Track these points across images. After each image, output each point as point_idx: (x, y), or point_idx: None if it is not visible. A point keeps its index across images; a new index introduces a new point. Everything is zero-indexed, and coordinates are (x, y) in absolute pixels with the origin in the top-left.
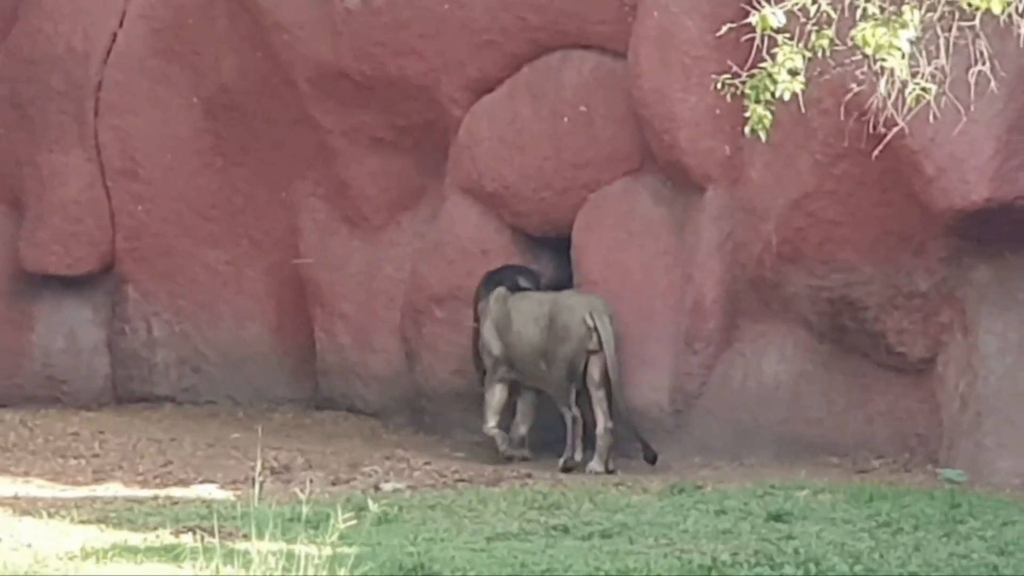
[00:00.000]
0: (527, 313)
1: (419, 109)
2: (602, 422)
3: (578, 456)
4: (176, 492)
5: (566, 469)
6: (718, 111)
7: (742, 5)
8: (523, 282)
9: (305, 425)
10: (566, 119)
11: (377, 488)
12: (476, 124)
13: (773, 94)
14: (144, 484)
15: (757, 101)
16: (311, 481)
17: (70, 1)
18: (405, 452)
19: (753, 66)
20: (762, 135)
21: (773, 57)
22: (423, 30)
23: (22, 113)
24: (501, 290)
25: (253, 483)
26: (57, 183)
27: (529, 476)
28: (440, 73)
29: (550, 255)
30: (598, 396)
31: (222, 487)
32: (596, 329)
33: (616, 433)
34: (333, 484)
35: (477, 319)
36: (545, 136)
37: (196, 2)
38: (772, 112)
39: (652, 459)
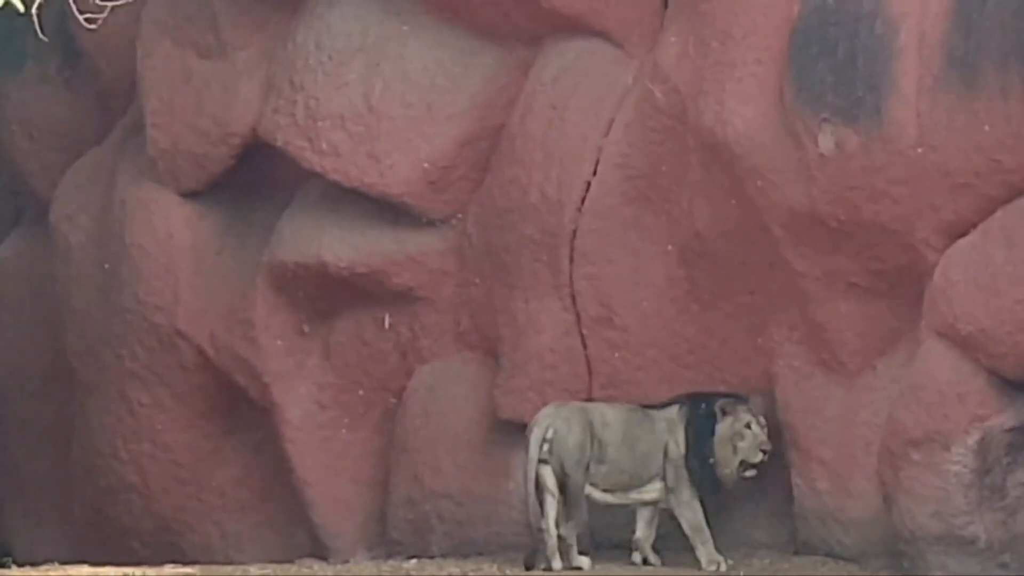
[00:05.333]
0: None
1: (893, 253)
2: None
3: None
4: None
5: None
6: None
7: None
8: None
9: (783, 570)
10: None
11: None
12: (951, 268)
13: None
14: None
15: None
16: None
17: (543, 149)
18: None
19: None
20: None
21: None
22: (897, 174)
23: (497, 262)
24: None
25: None
26: (532, 331)
27: None
28: (914, 217)
29: None
30: None
31: None
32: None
33: None
34: None
35: None
36: (1020, 279)
37: (670, 150)
38: None
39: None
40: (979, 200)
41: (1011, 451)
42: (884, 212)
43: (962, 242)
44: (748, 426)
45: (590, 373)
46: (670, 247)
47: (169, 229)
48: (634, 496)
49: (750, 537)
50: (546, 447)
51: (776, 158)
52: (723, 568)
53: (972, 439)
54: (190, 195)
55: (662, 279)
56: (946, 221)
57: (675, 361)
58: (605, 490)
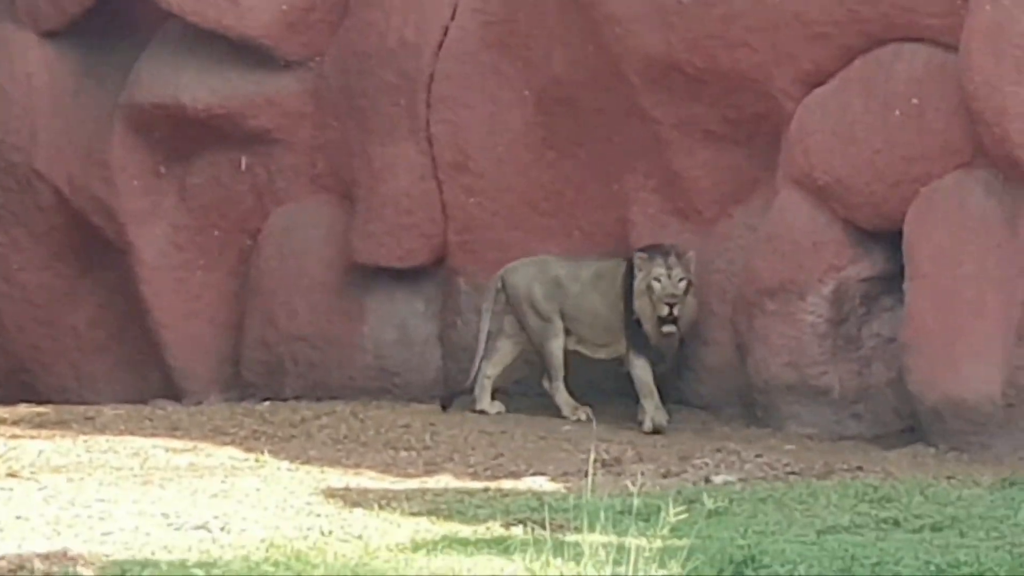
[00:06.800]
0: None
1: (751, 102)
2: None
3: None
4: (507, 484)
5: None
6: None
7: None
8: None
9: (637, 417)
10: (898, 112)
11: (707, 481)
12: (808, 117)
13: None
14: (475, 476)
15: None
16: (642, 474)
17: None
18: (736, 445)
19: None
20: None
21: None
22: (755, 22)
23: (354, 105)
24: None
25: (584, 475)
26: (389, 175)
27: (860, 469)
28: (772, 66)
29: (881, 248)
30: None
31: (553, 479)
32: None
33: None
34: (664, 477)
35: None
36: (877, 129)
37: None
38: None
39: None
40: (837, 50)
41: (866, 301)
42: (742, 60)
43: (819, 91)
44: (657, 279)
45: (446, 218)
46: (527, 93)
47: (27, 69)
48: (612, 353)
49: (604, 384)
50: (502, 297)
51: (634, 4)
52: (584, 417)
53: (827, 289)
54: (49, 35)
55: (519, 125)
56: (804, 70)
57: (531, 207)
58: (597, 345)
